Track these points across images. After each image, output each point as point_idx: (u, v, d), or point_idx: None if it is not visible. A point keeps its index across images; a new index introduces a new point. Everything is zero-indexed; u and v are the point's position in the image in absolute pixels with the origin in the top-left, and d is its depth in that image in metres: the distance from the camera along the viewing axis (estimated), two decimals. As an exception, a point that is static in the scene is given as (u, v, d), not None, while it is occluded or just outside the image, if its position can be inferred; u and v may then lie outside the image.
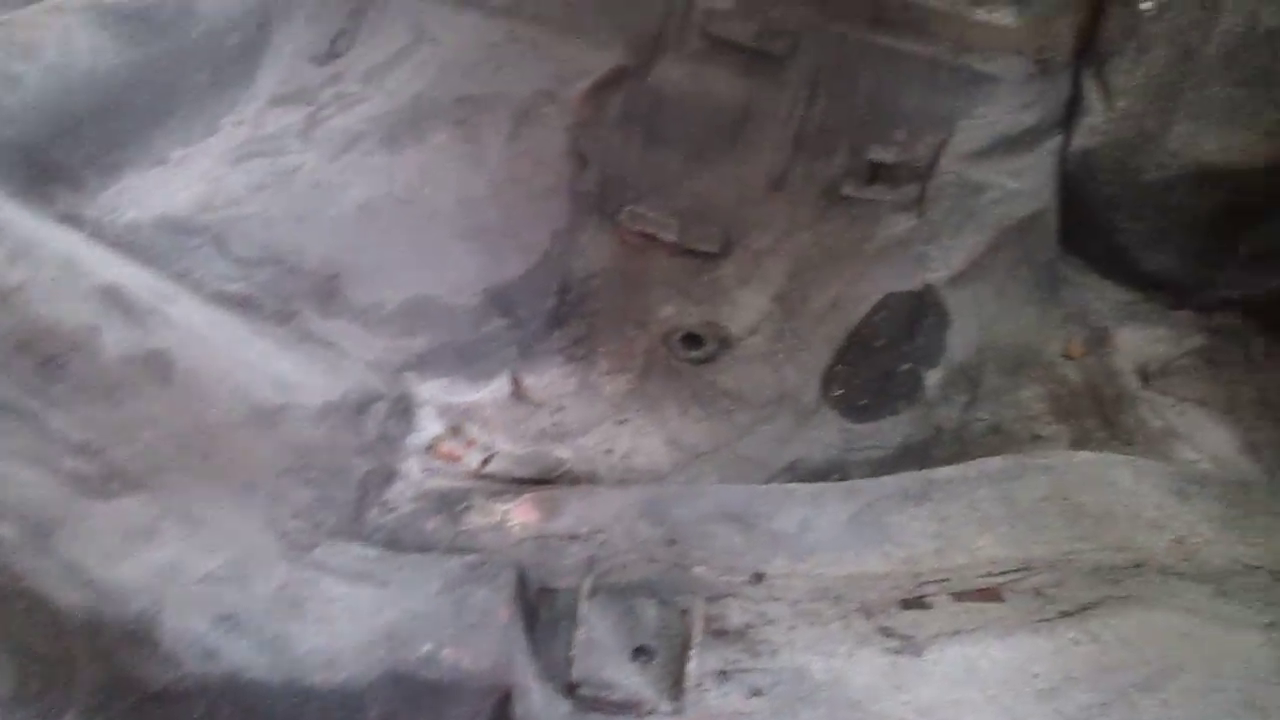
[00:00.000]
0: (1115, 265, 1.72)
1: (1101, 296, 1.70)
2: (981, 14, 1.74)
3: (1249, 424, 1.51)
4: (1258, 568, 1.25)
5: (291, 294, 1.44)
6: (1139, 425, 1.48)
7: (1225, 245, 1.69)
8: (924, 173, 1.68)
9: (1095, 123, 1.66)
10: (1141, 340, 1.64)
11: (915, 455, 1.45)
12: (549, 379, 1.52)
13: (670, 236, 1.63)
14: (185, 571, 0.93)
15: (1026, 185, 1.64)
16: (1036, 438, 1.51)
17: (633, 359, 1.55)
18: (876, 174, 1.70)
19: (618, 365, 1.54)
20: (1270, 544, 1.28)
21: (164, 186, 1.50)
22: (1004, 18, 1.74)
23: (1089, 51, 1.70)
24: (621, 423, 1.47)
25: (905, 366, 1.48)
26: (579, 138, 1.67)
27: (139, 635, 0.88)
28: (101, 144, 1.44)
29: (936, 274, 1.54)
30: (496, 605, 0.97)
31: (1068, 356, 1.64)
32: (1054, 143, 1.68)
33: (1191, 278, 1.70)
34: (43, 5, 1.52)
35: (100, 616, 0.90)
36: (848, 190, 1.69)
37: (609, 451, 1.42)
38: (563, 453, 1.41)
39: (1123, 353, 1.61)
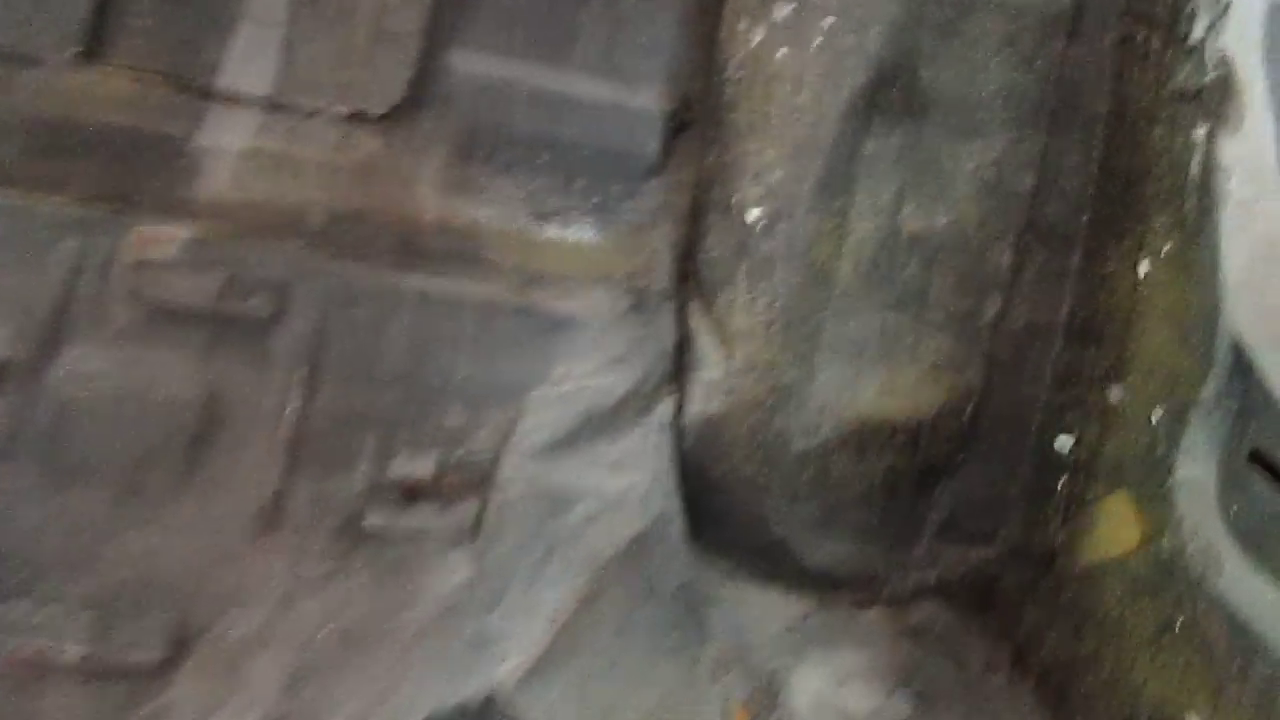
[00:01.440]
0: (775, 566, 1.30)
1: (763, 616, 1.26)
2: (552, 230, 1.36)
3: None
4: None
5: None
6: None
7: (910, 517, 1.33)
8: (485, 477, 1.15)
9: (714, 378, 1.27)
10: (826, 680, 1.21)
11: None
12: None
13: (76, 651, 1.06)
14: None
15: (631, 484, 1.21)
16: None
17: None
18: (416, 491, 1.14)
19: None
20: None
21: None
22: (581, 233, 1.37)
23: (694, 277, 1.27)
24: None
25: None
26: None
27: None
28: None
29: (505, 667, 1.00)
30: None
31: (729, 728, 1.12)
32: (663, 412, 1.25)
33: (875, 565, 1.33)
34: None
35: None
36: (374, 521, 1.18)
37: None
38: None
39: (804, 712, 1.11)
